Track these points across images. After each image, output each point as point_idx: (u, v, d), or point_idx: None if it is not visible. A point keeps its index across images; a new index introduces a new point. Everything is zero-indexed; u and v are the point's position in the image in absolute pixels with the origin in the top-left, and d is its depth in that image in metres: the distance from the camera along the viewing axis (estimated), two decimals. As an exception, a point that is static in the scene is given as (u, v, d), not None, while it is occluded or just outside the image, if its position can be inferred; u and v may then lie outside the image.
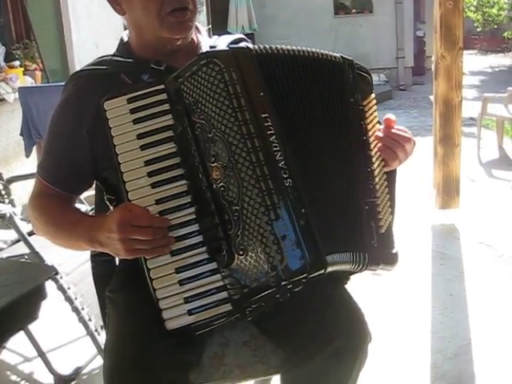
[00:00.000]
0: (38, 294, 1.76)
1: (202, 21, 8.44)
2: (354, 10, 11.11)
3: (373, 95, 1.30)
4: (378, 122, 1.30)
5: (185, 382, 1.17)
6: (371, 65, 10.70)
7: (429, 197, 3.85)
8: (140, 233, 1.09)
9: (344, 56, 1.26)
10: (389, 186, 1.28)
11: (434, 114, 3.69)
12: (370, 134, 1.26)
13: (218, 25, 9.02)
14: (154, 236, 1.10)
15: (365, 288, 2.07)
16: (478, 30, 19.67)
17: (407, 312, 2.52)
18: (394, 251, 1.26)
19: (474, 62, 14.99)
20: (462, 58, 3.44)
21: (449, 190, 3.62)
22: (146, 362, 1.09)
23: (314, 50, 1.22)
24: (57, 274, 1.88)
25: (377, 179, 1.24)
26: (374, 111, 1.29)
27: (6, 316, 1.63)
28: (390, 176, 1.30)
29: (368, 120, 1.26)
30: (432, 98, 3.75)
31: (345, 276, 1.30)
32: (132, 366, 1.09)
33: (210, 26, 8.52)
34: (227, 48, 1.18)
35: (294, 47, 1.20)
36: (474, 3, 18.70)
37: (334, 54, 1.25)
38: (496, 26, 18.54)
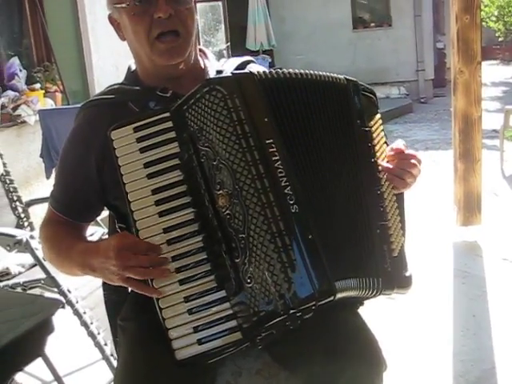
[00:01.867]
0: (45, 329, 1.74)
1: (220, 38, 8.51)
2: (372, 24, 11.10)
3: (378, 116, 1.28)
4: (385, 143, 1.29)
5: None
6: (391, 78, 10.69)
7: (450, 213, 3.78)
8: (137, 260, 1.10)
9: (348, 77, 1.25)
10: (398, 208, 1.26)
11: (453, 129, 3.64)
12: (378, 155, 1.24)
13: (237, 42, 9.07)
14: (151, 264, 1.10)
15: (384, 309, 2.04)
16: (500, 39, 19.51)
17: (427, 334, 2.46)
18: (407, 274, 1.24)
19: (496, 73, 14.83)
20: (480, 72, 3.40)
21: (470, 207, 3.55)
22: None
23: (318, 72, 1.21)
24: (63, 307, 1.88)
25: (387, 201, 1.22)
26: (381, 131, 1.28)
27: (10, 353, 1.62)
28: (399, 197, 1.28)
29: (375, 141, 1.25)
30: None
31: (358, 301, 1.28)
32: None
33: (229, 43, 8.59)
34: (230, 74, 1.17)
35: (299, 70, 1.19)
36: (495, 13, 18.57)
37: (338, 76, 1.24)
38: (518, 36, 18.35)
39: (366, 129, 1.24)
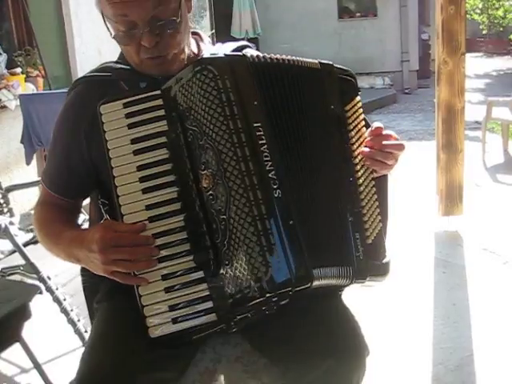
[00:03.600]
0: (21, 314, 1.72)
1: (205, 26, 8.44)
2: (358, 14, 11.10)
3: (358, 98, 1.26)
4: (365, 126, 1.26)
5: None
6: (376, 68, 10.71)
7: (432, 203, 3.81)
8: (121, 254, 1.08)
9: (322, 61, 1.23)
10: (379, 192, 1.24)
11: (436, 119, 3.66)
12: (354, 140, 1.22)
13: (222, 29, 9.00)
14: (137, 256, 1.08)
15: (363, 298, 2.04)
16: (484, 32, 19.64)
17: (408, 322, 2.48)
18: (384, 261, 1.21)
19: (479, 65, 14.95)
20: (464, 63, 3.41)
21: (452, 197, 3.58)
22: (122, 371, 1.07)
23: (296, 57, 1.19)
24: (41, 292, 1.86)
25: (362, 188, 1.20)
26: (360, 114, 1.25)
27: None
28: (381, 181, 1.26)
29: (352, 126, 1.22)
30: (436, 101, 3.72)
31: (338, 289, 1.26)
32: (108, 373, 1.06)
33: (214, 30, 8.52)
34: (223, 55, 1.15)
35: (285, 55, 1.18)
36: (480, 5, 18.68)
37: (312, 61, 1.22)
38: (502, 29, 18.49)
39: (341, 114, 1.22)
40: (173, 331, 1.10)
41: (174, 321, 1.10)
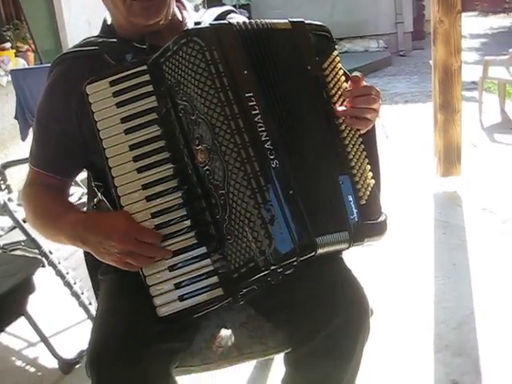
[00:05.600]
0: (25, 288, 1.73)
1: (195, -7, 8.28)
2: (350, -24, 10.89)
3: (335, 53, 1.21)
4: (346, 80, 1.21)
5: (168, 371, 1.14)
6: (370, 31, 10.58)
7: (430, 164, 3.81)
8: (141, 248, 1.08)
9: (292, 20, 1.18)
10: (368, 149, 1.21)
11: (433, 80, 3.63)
12: (336, 98, 1.18)
13: (213, -4, 8.85)
14: (156, 255, 1.09)
15: (365, 260, 2.06)
16: (479, -10, 19.33)
17: (409, 282, 2.50)
18: (380, 219, 1.19)
19: (475, 24, 14.77)
20: (460, 22, 3.36)
21: (450, 158, 3.57)
22: (131, 341, 1.07)
23: (266, 20, 1.15)
24: (44, 266, 1.86)
25: (349, 147, 1.17)
26: (339, 70, 1.21)
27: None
28: (368, 136, 1.23)
29: (332, 84, 1.19)
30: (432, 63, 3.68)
31: (337, 252, 1.25)
32: (118, 344, 1.07)
33: (205, -3, 8.38)
34: (209, 25, 1.12)
35: (265, 20, 1.14)
36: (474, -37, 18.34)
37: (283, 21, 1.17)
38: (497, -14, 18.19)
39: (318, 73, 1.17)
40: (180, 309, 1.10)
41: (181, 298, 1.10)
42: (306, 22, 1.20)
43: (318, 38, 1.21)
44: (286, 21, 1.18)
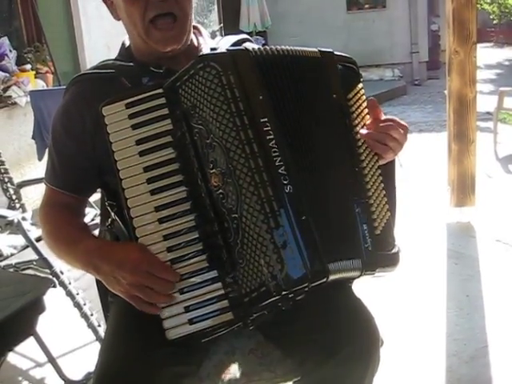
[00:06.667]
0: (36, 308, 1.72)
1: (213, 20, 8.42)
2: (366, 6, 11.03)
3: (360, 85, 1.23)
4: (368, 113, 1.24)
5: None
6: (385, 60, 10.63)
7: (444, 194, 3.78)
8: (152, 282, 1.07)
9: (322, 49, 1.21)
10: (386, 181, 1.21)
11: (447, 110, 3.63)
12: (358, 128, 1.19)
13: (230, 23, 8.99)
14: (165, 290, 1.08)
15: (377, 289, 2.04)
16: (494, 22, 19.45)
17: (421, 314, 2.47)
18: (393, 251, 1.19)
19: (490, 55, 14.81)
20: (475, 52, 3.37)
21: (464, 188, 3.55)
22: (139, 364, 1.07)
23: (295, 47, 1.17)
24: (54, 286, 1.86)
25: (368, 178, 1.18)
26: (363, 102, 1.23)
27: (1, 332, 1.60)
28: (387, 169, 1.24)
29: (355, 114, 1.20)
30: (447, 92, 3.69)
31: (347, 280, 1.24)
32: (125, 367, 1.07)
33: (222, 24, 8.50)
34: (225, 50, 1.13)
35: (287, 46, 1.16)
36: (490, -5, 18.49)
37: (312, 49, 1.20)
38: (512, 18, 18.29)
39: (343, 103, 1.19)
40: (190, 332, 1.09)
41: (191, 321, 1.09)
42: (335, 53, 1.22)
43: (345, 69, 1.23)
44: (316, 49, 1.20)
